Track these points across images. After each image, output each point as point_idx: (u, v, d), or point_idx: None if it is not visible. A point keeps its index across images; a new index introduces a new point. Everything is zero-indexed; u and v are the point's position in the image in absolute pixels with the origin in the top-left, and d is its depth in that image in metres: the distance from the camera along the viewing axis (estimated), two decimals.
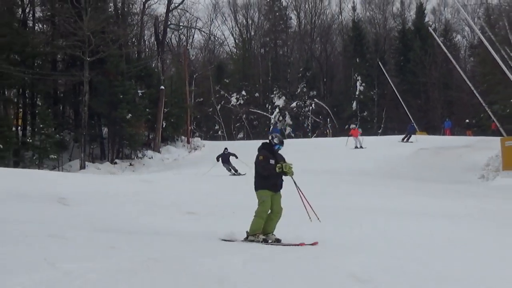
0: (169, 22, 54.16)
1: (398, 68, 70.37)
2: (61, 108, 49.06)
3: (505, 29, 36.41)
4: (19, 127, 43.35)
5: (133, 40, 52.19)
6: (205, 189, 21.25)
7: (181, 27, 64.71)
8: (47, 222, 12.27)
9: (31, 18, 46.28)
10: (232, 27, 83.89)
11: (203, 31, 73.40)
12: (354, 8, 77.25)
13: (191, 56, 75.96)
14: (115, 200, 17.03)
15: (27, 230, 10.62)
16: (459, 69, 44.23)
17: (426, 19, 74.15)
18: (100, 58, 41.03)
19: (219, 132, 72.61)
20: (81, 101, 42.52)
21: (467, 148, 36.49)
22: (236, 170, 29.14)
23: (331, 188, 20.80)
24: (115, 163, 42.10)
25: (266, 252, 9.26)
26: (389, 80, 61.28)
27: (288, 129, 70.70)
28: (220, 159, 29.87)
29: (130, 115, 41.58)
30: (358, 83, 69.22)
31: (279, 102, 72.34)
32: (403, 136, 43.17)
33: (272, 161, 10.80)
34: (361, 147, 39.35)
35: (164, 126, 47.34)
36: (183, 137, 50.44)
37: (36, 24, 47.52)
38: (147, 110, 45.24)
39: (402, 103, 56.38)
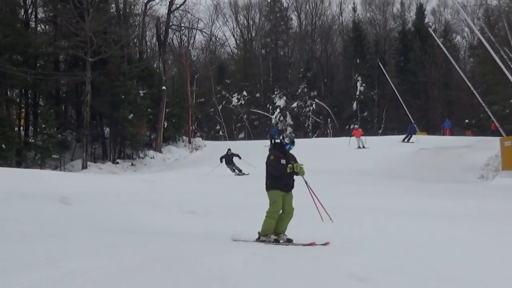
0: (171, 23, 54.29)
1: (398, 69, 70.37)
2: (63, 108, 49.14)
3: (504, 30, 36.40)
4: (22, 127, 43.41)
5: (135, 40, 52.22)
6: (206, 188, 21.23)
7: (183, 28, 64.82)
8: (49, 222, 12.29)
9: (34, 19, 46.37)
10: (233, 28, 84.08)
11: (205, 32, 73.47)
12: (354, 9, 77.46)
13: (192, 56, 76.10)
14: (116, 199, 17.03)
15: (29, 230, 10.65)
16: (458, 70, 44.22)
17: (426, 20, 74.18)
18: (102, 58, 41.07)
19: (220, 132, 72.63)
20: (83, 101, 42.59)
21: (466, 148, 36.46)
22: (240, 170, 29.02)
23: (331, 188, 20.76)
24: (117, 163, 42.12)
25: (266, 251, 9.25)
26: (389, 81, 61.27)
27: (289, 129, 70.70)
28: (223, 160, 29.67)
29: (131, 115, 41.61)
30: (358, 84, 69.22)
31: (280, 102, 72.37)
32: (403, 136, 43.13)
33: (283, 161, 10.66)
34: (363, 147, 39.37)
35: (165, 126, 47.35)
36: (184, 137, 50.44)
37: (39, 25, 47.60)
38: (148, 110, 45.25)
39: (402, 103, 56.36)
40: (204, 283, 6.80)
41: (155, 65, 53.43)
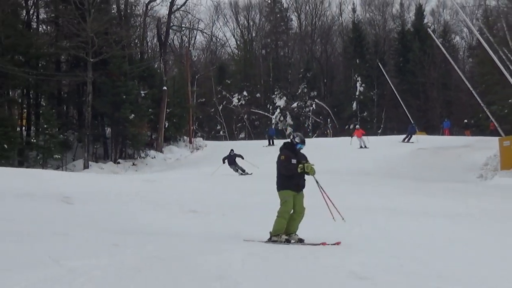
0: (172, 24, 54.32)
1: (398, 69, 70.32)
2: (65, 108, 49.14)
3: (503, 30, 36.41)
4: (24, 127, 43.42)
5: (136, 41, 52.20)
6: (206, 188, 21.22)
7: (183, 28, 64.81)
8: (52, 221, 12.30)
9: (35, 19, 46.43)
10: (233, 28, 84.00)
11: (205, 33, 73.37)
12: (354, 10, 77.49)
13: (193, 57, 76.09)
14: (118, 199, 17.02)
15: (31, 229, 10.66)
16: (457, 70, 44.25)
17: (425, 20, 74.09)
18: (103, 59, 41.13)
19: (221, 132, 72.66)
20: (84, 101, 42.61)
21: (465, 148, 36.45)
22: (243, 170, 28.91)
23: (331, 188, 20.72)
24: (118, 162, 42.16)
25: (265, 251, 9.24)
26: (389, 81, 61.20)
27: (289, 129, 70.72)
28: (226, 161, 29.59)
29: (133, 115, 41.65)
30: (358, 84, 69.22)
31: (280, 102, 72.39)
32: (403, 136, 43.12)
33: (294, 161, 10.53)
34: (365, 147, 39.39)
35: (166, 126, 47.37)
36: (185, 137, 50.44)
37: (40, 26, 47.68)
38: (149, 110, 45.28)
39: (402, 103, 56.29)
40: (203, 282, 6.80)
41: (156, 66, 53.45)
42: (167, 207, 15.71)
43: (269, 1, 78.69)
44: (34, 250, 8.38)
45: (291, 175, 10.48)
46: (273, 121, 71.21)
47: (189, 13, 59.75)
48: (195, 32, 72.65)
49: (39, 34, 45.75)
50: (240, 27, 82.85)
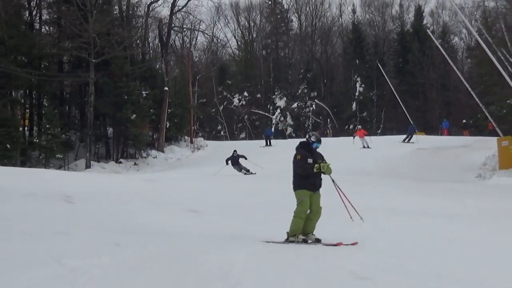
0: (173, 25, 54.28)
1: (397, 70, 70.27)
2: (67, 108, 49.16)
3: (501, 31, 36.33)
4: (26, 128, 43.41)
5: (138, 42, 52.24)
6: (207, 188, 21.22)
7: (185, 29, 64.69)
8: (53, 220, 12.29)
9: (38, 20, 46.38)
10: (234, 29, 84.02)
11: (206, 33, 73.34)
12: (354, 11, 77.43)
13: (194, 57, 76.05)
14: (119, 198, 17.03)
15: (33, 228, 10.66)
16: (456, 71, 44.16)
17: (425, 21, 74.02)
18: (105, 59, 41.12)
19: (222, 132, 72.67)
20: (86, 101, 42.61)
21: (464, 148, 36.45)
22: (248, 170, 28.75)
23: (331, 187, 20.76)
24: (120, 162, 42.16)
25: (267, 250, 9.23)
26: (388, 81, 61.19)
27: (289, 129, 70.77)
28: (229, 162, 29.36)
29: (134, 115, 41.66)
30: (357, 84, 69.19)
31: (281, 102, 72.38)
32: (403, 136, 43.12)
33: (310, 160, 10.40)
34: (368, 147, 39.39)
35: (167, 126, 47.38)
36: (186, 137, 50.45)
37: (43, 27, 47.69)
38: (151, 110, 45.29)
39: (401, 103, 56.29)
40: (204, 282, 6.79)
41: (157, 66, 53.51)
42: (168, 206, 15.72)
43: (270, 2, 78.71)
44: (36, 249, 8.37)
45: (307, 175, 10.35)
46: (274, 121, 71.24)
47: (191, 14, 59.78)
48: (196, 33, 72.59)
49: (41, 35, 45.77)
50: (241, 28, 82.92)
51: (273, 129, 67.39)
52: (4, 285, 6.23)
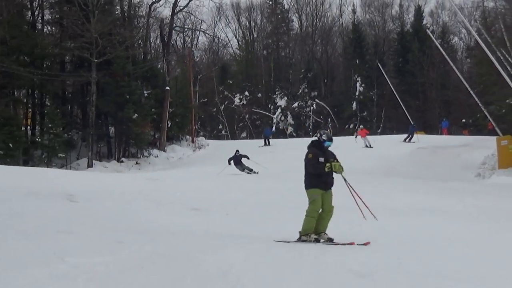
0: (174, 25, 54.28)
1: (397, 69, 70.23)
2: (69, 108, 49.23)
3: (501, 31, 36.27)
4: (29, 127, 43.48)
5: (139, 42, 52.25)
6: (210, 187, 21.24)
7: (186, 29, 64.73)
8: (57, 219, 12.32)
9: (40, 20, 46.46)
10: (235, 29, 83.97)
11: (207, 33, 73.36)
12: (354, 11, 77.30)
13: (195, 57, 76.03)
14: (121, 197, 17.06)
15: (38, 226, 10.69)
16: (456, 70, 44.11)
17: (424, 21, 73.96)
18: (107, 59, 41.14)
19: (223, 132, 72.71)
20: (88, 101, 42.64)
21: (464, 147, 36.45)
22: (251, 169, 28.51)
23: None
24: (122, 161, 42.18)
25: (267, 249, 9.23)
26: (388, 81, 61.17)
27: (290, 129, 70.78)
28: (231, 162, 29.06)
29: (136, 115, 41.67)
30: (358, 84, 69.17)
31: (281, 102, 72.38)
32: (404, 135, 43.17)
33: (321, 159, 10.23)
34: (370, 146, 39.43)
35: (169, 125, 47.38)
36: (187, 136, 50.47)
37: (45, 27, 47.70)
38: (152, 110, 45.31)
39: (401, 103, 56.27)
40: (206, 279, 6.82)
41: (159, 66, 53.52)
42: (170, 205, 15.75)
43: (271, 3, 78.68)
44: (39, 247, 8.40)
45: (319, 173, 10.23)
46: (274, 120, 71.27)
47: (192, 14, 59.84)
48: (197, 33, 72.63)
49: (44, 35, 45.81)
50: (242, 28, 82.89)
51: (274, 129, 67.58)
52: (7, 282, 6.27)
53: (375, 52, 72.16)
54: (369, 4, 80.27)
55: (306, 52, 80.00)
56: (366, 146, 39.44)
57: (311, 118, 71.80)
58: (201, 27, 67.78)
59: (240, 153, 29.40)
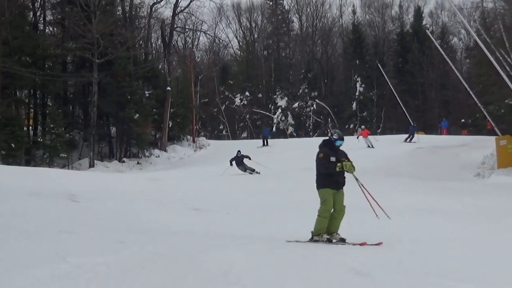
0: (175, 25, 54.30)
1: (397, 70, 70.25)
2: (70, 108, 49.24)
3: (500, 32, 36.23)
4: (30, 127, 43.47)
5: (141, 42, 52.25)
6: (211, 187, 21.24)
7: (187, 30, 64.77)
8: (58, 219, 12.32)
9: (42, 21, 46.45)
10: (236, 30, 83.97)
11: (208, 34, 73.35)
12: (354, 12, 77.33)
13: (196, 58, 76.02)
14: (123, 197, 17.06)
15: (39, 226, 10.70)
16: (455, 71, 44.05)
17: (424, 22, 73.99)
18: (108, 60, 41.17)
19: (224, 132, 72.71)
20: (90, 101, 42.67)
21: (463, 147, 36.45)
22: (253, 170, 28.33)
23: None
24: (123, 161, 42.18)
25: (267, 248, 9.23)
26: (388, 81, 61.09)
27: (290, 129, 70.77)
28: (233, 162, 28.87)
29: (137, 115, 41.69)
30: (358, 84, 69.18)
31: (282, 102, 72.39)
32: (404, 135, 43.18)
33: (333, 159, 10.15)
34: (372, 146, 39.46)
35: (170, 125, 47.40)
36: (188, 137, 50.48)
37: (47, 27, 47.70)
38: (154, 110, 45.34)
39: (401, 103, 56.21)
40: (207, 279, 6.82)
41: (160, 66, 53.51)
42: (171, 205, 15.75)
43: (271, 3, 78.66)
44: (41, 247, 8.40)
45: (330, 173, 10.14)
46: (275, 120, 71.28)
47: (193, 15, 59.87)
48: (198, 33, 72.71)
49: (45, 36, 45.81)
50: (243, 28, 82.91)
51: (274, 129, 67.60)
52: (9, 282, 6.27)
53: (375, 53, 72.17)
54: (369, 5, 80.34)
55: (306, 52, 80.00)
56: (368, 146, 39.47)
57: (311, 118, 71.82)
58: (202, 27, 67.86)
59: (241, 153, 29.32)
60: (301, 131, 70.69)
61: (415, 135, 41.64)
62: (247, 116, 72.61)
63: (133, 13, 49.44)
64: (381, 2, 79.14)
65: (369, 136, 40.66)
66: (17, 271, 6.66)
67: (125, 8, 48.89)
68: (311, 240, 10.16)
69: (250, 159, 29.11)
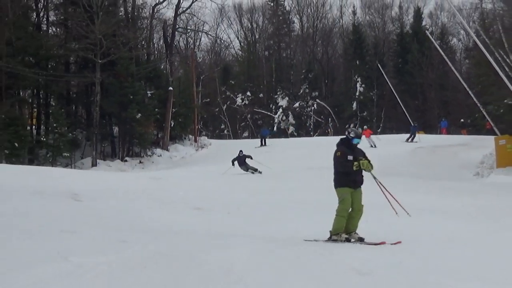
0: (177, 26, 54.43)
1: (397, 70, 70.25)
2: (73, 108, 49.26)
3: (499, 33, 36.20)
4: (34, 127, 43.47)
5: (143, 43, 52.22)
6: (212, 186, 21.23)
7: (189, 30, 64.86)
8: (61, 218, 12.29)
9: (45, 22, 46.50)
10: (237, 30, 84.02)
11: (210, 35, 73.56)
12: (354, 13, 77.23)
13: (198, 58, 76.11)
14: (125, 196, 17.04)
15: (42, 225, 10.67)
16: (454, 71, 44.03)
17: (423, 23, 74.03)
18: (111, 60, 41.14)
19: (225, 131, 72.72)
20: (93, 101, 42.65)
21: (462, 146, 36.43)
22: (255, 169, 28.28)
23: (332, 184, 20.70)
24: (125, 160, 42.18)
25: (269, 247, 9.21)
26: (388, 82, 61.08)
27: (291, 128, 70.76)
28: (235, 162, 28.80)
29: (139, 115, 41.69)
30: (358, 84, 69.19)
31: (283, 102, 72.40)
32: (404, 135, 43.18)
33: (350, 157, 10.05)
34: (374, 146, 39.45)
35: (172, 125, 47.38)
36: (190, 136, 50.45)
37: (50, 28, 47.74)
38: (156, 110, 45.31)
39: (400, 103, 56.19)
40: (209, 278, 6.79)
41: (162, 67, 53.50)
42: (173, 204, 15.72)
43: (272, 4, 78.66)
44: (43, 246, 8.37)
45: (348, 172, 10.03)
46: (276, 120, 71.29)
47: (194, 15, 60.07)
48: (200, 34, 72.94)
49: (49, 36, 45.84)
50: (244, 29, 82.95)
51: (275, 128, 67.59)
52: (12, 282, 6.25)
53: (375, 53, 72.21)
54: (369, 6, 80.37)
55: (307, 53, 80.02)
56: (371, 146, 39.46)
57: (312, 118, 71.82)
58: (204, 28, 68.01)
59: (243, 153, 29.26)
60: (302, 130, 70.71)
61: (417, 135, 41.62)
62: (249, 116, 72.59)
63: (135, 13, 49.44)
64: (381, 3, 79.29)
65: (371, 136, 40.66)
66: (19, 271, 6.64)
67: (127, 9, 48.89)
68: (329, 239, 10.07)
69: (251, 158, 29.06)
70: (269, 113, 72.63)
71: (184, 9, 54.14)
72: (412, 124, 45.05)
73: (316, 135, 65.27)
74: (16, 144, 34.73)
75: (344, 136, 10.55)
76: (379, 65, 64.91)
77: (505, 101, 33.58)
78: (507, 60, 32.42)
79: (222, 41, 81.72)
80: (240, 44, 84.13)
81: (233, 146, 35.16)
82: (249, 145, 39.68)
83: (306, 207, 15.08)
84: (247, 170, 28.35)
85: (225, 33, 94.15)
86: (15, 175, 19.11)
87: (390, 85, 59.88)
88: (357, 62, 70.00)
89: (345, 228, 10.03)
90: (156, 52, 63.56)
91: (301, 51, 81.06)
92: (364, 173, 10.28)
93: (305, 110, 72.35)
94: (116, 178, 23.38)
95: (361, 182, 10.23)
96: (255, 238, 10.35)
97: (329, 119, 70.17)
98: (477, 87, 44.84)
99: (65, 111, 42.51)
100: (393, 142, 41.14)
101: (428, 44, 61.25)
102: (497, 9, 40.08)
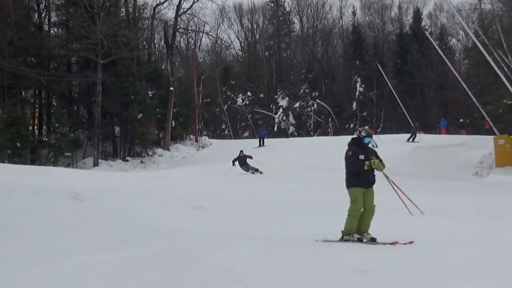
0: (178, 26, 54.40)
1: (396, 70, 70.25)
2: (75, 108, 49.33)
3: (497, 33, 36.23)
4: (36, 126, 43.53)
5: (144, 43, 52.27)
6: (213, 186, 21.21)
7: (190, 31, 64.84)
8: (63, 217, 12.26)
9: (47, 22, 46.57)
10: (238, 31, 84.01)
11: (211, 35, 73.57)
12: (354, 13, 77.33)
13: (199, 58, 76.17)
14: (126, 196, 17.02)
15: (44, 224, 10.64)
16: (454, 71, 44.11)
17: (423, 23, 74.07)
18: (112, 60, 41.19)
19: (226, 131, 72.70)
20: (94, 101, 42.68)
21: (461, 146, 36.38)
22: (256, 169, 28.11)
23: (332, 183, 20.69)
24: (127, 160, 42.21)
25: (269, 246, 9.19)
26: (388, 82, 61.15)
27: (292, 128, 70.76)
28: (236, 163, 28.58)
29: (141, 115, 41.72)
30: (358, 85, 69.17)
31: (283, 102, 72.40)
32: (403, 135, 43.18)
33: (361, 157, 9.94)
34: (376, 146, 39.43)
35: (173, 125, 47.40)
36: (191, 136, 50.45)
37: (52, 28, 47.80)
38: (157, 110, 45.34)
39: (400, 103, 56.25)
40: (209, 278, 6.76)
41: (163, 67, 53.48)
42: (175, 204, 15.71)
43: (272, 5, 78.67)
44: (44, 246, 8.36)
45: (359, 171, 9.93)
46: (276, 120, 71.29)
47: (195, 16, 59.91)
48: (201, 34, 72.95)
49: (50, 37, 45.93)
50: (244, 29, 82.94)
51: (276, 128, 67.61)
52: (12, 281, 6.23)
53: (374, 53, 72.20)
54: (368, 7, 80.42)
55: (307, 53, 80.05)
56: (373, 146, 39.38)
57: (312, 118, 71.82)
58: (204, 29, 67.98)
59: (244, 153, 29.18)
60: (302, 130, 70.71)
61: (417, 135, 41.61)
62: (249, 115, 72.60)
63: (136, 14, 49.48)
64: (380, 4, 79.36)
65: (373, 136, 40.57)
66: (19, 270, 6.62)
67: (128, 10, 48.91)
68: (341, 239, 9.98)
69: (252, 158, 29.01)
70: (269, 113, 72.64)
71: (185, 9, 54.12)
72: (413, 124, 45.04)
73: (316, 135, 65.30)
74: (18, 144, 34.75)
75: (356, 136, 10.47)
76: (378, 65, 64.98)
77: (504, 101, 33.60)
78: (506, 60, 32.45)
79: (223, 41, 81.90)
80: (241, 44, 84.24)
81: (234, 146, 35.13)
82: (250, 145, 39.69)
83: (306, 207, 15.06)
84: (247, 170, 28.25)
85: (226, 34, 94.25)
86: (16, 175, 19.12)
87: (390, 85, 59.95)
88: (357, 62, 70.00)
89: (357, 228, 9.95)
90: (157, 53, 63.64)
91: (301, 51, 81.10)
92: (376, 172, 10.21)
93: (305, 110, 72.35)
94: (118, 178, 23.38)
95: (373, 182, 10.17)
96: (255, 238, 10.31)
97: (329, 119, 70.17)
98: (476, 87, 44.89)
99: (66, 111, 42.58)
100: (393, 142, 41.10)
101: (428, 45, 61.27)
102: (496, 10, 40.12)
